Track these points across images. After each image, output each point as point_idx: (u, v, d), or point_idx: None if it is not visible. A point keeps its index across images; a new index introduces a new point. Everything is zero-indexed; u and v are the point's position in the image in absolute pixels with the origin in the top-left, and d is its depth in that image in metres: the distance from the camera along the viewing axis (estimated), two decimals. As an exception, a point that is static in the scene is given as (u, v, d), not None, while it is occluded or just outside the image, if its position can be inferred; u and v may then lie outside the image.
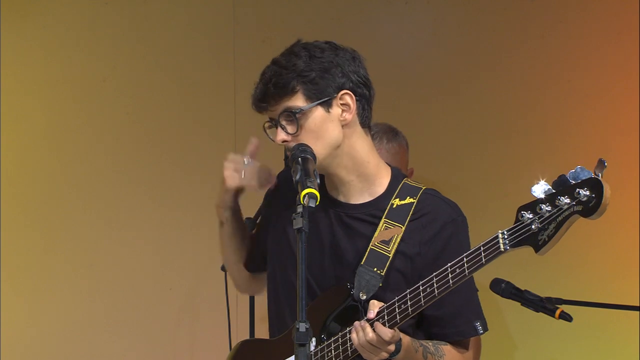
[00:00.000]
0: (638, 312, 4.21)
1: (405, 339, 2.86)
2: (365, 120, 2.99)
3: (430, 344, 2.95)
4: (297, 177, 2.76)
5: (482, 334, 3.01)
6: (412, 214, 2.95)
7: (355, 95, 2.94)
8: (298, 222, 2.65)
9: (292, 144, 2.91)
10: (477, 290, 3.31)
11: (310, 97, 2.90)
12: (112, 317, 5.11)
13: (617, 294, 4.67)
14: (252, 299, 4.42)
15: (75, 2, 5.19)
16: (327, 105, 2.91)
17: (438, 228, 2.93)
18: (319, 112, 2.91)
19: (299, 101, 2.91)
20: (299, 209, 2.67)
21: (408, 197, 2.98)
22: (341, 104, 2.93)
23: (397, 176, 3.03)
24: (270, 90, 2.91)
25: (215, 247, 4.72)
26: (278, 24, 5.20)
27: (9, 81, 5.09)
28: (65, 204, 5.14)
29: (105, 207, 5.15)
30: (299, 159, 2.83)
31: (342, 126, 2.94)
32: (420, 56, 5.19)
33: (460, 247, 2.83)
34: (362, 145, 2.98)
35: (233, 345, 4.39)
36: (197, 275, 5.11)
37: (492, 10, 5.09)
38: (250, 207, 4.38)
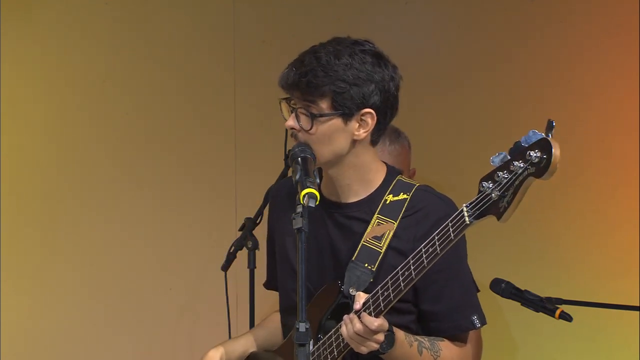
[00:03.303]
0: (638, 312, 4.20)
1: (399, 333, 2.85)
2: (375, 139, 2.98)
3: (426, 339, 2.94)
4: (297, 177, 2.76)
5: (479, 327, 3.00)
6: (405, 210, 2.95)
7: (378, 116, 2.92)
8: (298, 222, 2.64)
9: (299, 135, 2.90)
10: (479, 290, 3.30)
11: (335, 106, 2.88)
12: (112, 317, 5.11)
13: (617, 294, 4.66)
14: (252, 299, 4.41)
15: (75, 2, 5.19)
16: (347, 117, 2.90)
17: (432, 224, 2.89)
18: (337, 121, 2.90)
19: (324, 104, 2.88)
20: (299, 209, 2.67)
21: (402, 193, 2.98)
22: (360, 120, 2.91)
23: (391, 173, 3.03)
24: (302, 85, 2.88)
25: (215, 247, 4.74)
26: (278, 24, 5.20)
27: (9, 81, 5.09)
28: (65, 204, 5.14)
29: (105, 207, 5.15)
30: (299, 158, 2.83)
31: (353, 140, 2.93)
32: (420, 56, 5.19)
33: (456, 242, 2.78)
34: (366, 155, 2.98)
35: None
36: (197, 275, 5.11)
37: (492, 10, 5.08)
38: (249, 207, 4.39)
